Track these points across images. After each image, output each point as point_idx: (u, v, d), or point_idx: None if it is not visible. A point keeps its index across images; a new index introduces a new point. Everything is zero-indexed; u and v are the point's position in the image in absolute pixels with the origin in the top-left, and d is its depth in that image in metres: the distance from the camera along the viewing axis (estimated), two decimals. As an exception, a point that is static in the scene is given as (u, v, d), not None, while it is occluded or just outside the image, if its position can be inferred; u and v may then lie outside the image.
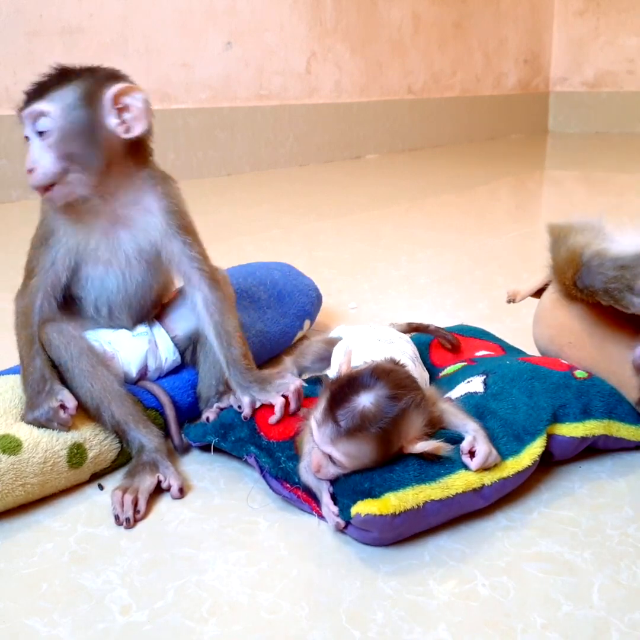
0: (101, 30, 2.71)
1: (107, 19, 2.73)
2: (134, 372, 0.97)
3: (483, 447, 0.79)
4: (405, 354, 0.92)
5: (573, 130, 5.03)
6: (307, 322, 1.27)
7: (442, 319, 1.11)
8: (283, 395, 0.89)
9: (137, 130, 0.87)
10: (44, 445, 0.84)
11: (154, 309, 1.00)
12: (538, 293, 1.12)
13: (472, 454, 0.79)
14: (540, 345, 1.07)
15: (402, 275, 1.75)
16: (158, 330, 1.00)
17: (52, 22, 2.57)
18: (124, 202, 0.90)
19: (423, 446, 0.77)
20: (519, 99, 4.84)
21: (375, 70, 3.84)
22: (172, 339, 1.00)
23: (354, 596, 0.68)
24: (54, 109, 0.84)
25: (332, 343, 0.99)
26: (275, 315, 1.19)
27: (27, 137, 0.86)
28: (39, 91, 0.85)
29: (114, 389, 0.90)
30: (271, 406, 0.89)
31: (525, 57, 4.87)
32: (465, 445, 0.79)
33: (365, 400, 0.76)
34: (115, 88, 0.86)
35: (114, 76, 0.88)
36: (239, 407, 0.90)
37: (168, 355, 0.99)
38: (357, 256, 1.92)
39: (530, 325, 1.09)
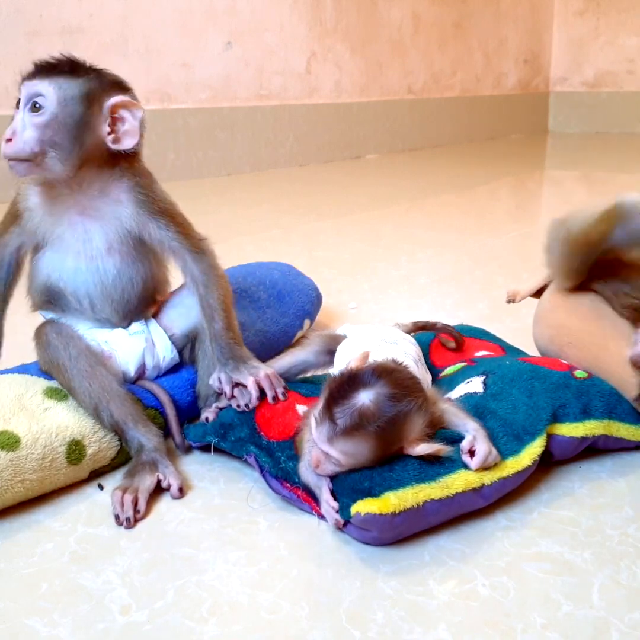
0: (101, 30, 2.71)
1: (107, 19, 2.73)
2: (132, 371, 0.97)
3: (483, 447, 0.79)
4: (409, 355, 0.92)
5: (573, 130, 5.03)
6: (306, 322, 1.27)
7: (442, 319, 1.11)
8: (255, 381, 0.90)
9: (126, 144, 0.89)
10: (42, 442, 0.84)
11: (145, 306, 0.99)
12: (538, 293, 1.12)
13: (472, 453, 0.79)
14: (540, 345, 1.06)
15: (402, 275, 1.75)
16: (155, 328, 0.99)
17: (52, 22, 2.57)
18: (91, 194, 0.91)
19: (423, 449, 0.77)
20: (519, 99, 4.84)
21: (375, 70, 3.84)
22: (170, 337, 0.99)
23: (354, 596, 0.68)
24: (55, 94, 0.86)
25: (337, 339, 0.98)
26: (275, 315, 1.19)
27: (18, 104, 0.87)
28: (47, 69, 0.87)
29: (113, 389, 0.90)
30: (270, 405, 0.89)
31: (525, 57, 4.87)
32: (465, 445, 0.79)
33: (365, 398, 0.75)
34: (119, 99, 0.88)
35: (120, 87, 0.90)
36: (238, 406, 0.90)
37: (166, 353, 0.99)
38: (357, 256, 1.92)
39: (530, 325, 1.09)
